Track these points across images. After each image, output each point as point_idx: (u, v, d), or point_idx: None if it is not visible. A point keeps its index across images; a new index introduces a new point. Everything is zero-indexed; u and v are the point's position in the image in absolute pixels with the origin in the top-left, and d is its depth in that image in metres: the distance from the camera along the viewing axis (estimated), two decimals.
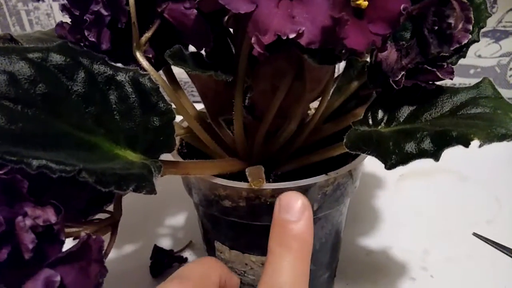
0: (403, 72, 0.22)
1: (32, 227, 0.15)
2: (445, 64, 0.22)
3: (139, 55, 0.23)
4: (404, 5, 0.18)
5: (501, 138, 0.19)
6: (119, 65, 0.20)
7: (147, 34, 0.23)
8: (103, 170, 0.16)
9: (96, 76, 0.19)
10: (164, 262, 0.33)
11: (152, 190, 0.17)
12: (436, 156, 0.19)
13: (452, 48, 0.21)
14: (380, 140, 0.21)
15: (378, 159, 0.20)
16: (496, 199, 0.42)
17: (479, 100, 0.22)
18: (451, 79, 0.22)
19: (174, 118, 0.20)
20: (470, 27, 0.21)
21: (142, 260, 0.35)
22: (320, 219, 0.27)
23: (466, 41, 0.21)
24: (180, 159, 0.26)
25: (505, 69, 0.62)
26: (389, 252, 0.36)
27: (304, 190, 0.24)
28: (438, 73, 0.22)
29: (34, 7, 0.65)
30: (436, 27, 0.21)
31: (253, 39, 0.18)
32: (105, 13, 0.21)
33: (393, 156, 0.20)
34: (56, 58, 0.18)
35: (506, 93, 0.63)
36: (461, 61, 0.71)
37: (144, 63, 0.23)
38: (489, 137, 0.19)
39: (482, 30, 0.64)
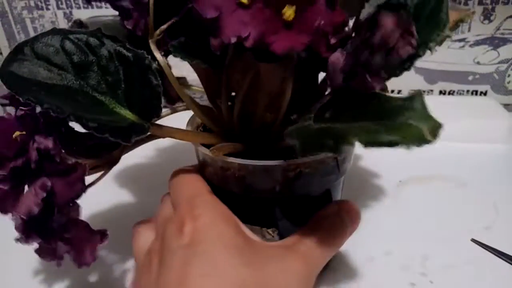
0: (341, 75, 0.24)
1: (37, 148, 0.23)
2: (381, 73, 0.23)
3: (151, 44, 0.27)
4: (319, 21, 0.22)
5: (378, 144, 0.20)
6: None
7: (163, 27, 0.27)
8: (101, 121, 0.23)
9: (113, 55, 0.26)
10: None
11: (127, 141, 0.23)
12: (336, 151, 0.21)
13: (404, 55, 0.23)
14: (305, 133, 0.23)
15: (295, 146, 0.22)
16: (494, 205, 0.43)
17: (404, 111, 0.22)
18: (381, 88, 0.24)
19: (160, 91, 0.25)
20: (413, 41, 0.22)
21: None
22: (281, 199, 0.29)
23: (406, 55, 0.22)
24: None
25: (503, 76, 0.63)
26: (389, 258, 0.37)
27: (267, 170, 0.27)
28: (367, 80, 0.23)
29: (39, 15, 0.66)
30: (367, 39, 0.23)
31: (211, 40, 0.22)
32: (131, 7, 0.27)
33: (305, 145, 0.22)
34: (89, 39, 0.26)
35: (504, 99, 0.64)
36: (460, 68, 0.72)
37: (154, 50, 0.27)
38: (368, 142, 0.20)
39: (481, 37, 0.65)
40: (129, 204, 0.46)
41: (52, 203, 0.23)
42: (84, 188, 0.25)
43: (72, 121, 0.22)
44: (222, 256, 0.22)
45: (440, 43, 0.28)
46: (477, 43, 0.61)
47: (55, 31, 0.27)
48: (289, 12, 0.22)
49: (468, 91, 0.65)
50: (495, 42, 0.61)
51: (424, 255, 0.37)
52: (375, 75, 0.23)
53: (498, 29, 0.60)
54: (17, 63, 0.25)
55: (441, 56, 0.62)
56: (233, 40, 0.21)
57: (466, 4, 0.58)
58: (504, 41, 0.60)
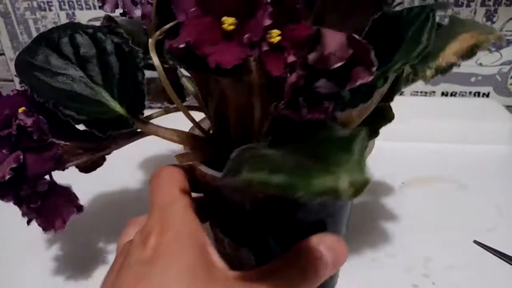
0: (284, 100, 0.22)
1: (18, 125, 0.26)
2: (325, 102, 0.21)
3: (150, 44, 0.26)
4: (248, 35, 0.20)
5: (269, 188, 0.16)
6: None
7: (164, 28, 0.25)
8: (81, 111, 0.25)
9: (115, 50, 0.28)
10: None
11: (103, 132, 0.25)
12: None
13: (347, 87, 0.20)
14: (240, 157, 0.20)
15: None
16: (497, 207, 0.43)
17: (338, 152, 0.18)
18: (318, 118, 0.21)
19: (144, 89, 0.27)
20: (371, 69, 0.20)
21: None
22: (255, 220, 0.27)
23: (358, 83, 0.20)
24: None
25: (506, 77, 0.63)
26: (391, 259, 0.37)
27: (234, 186, 0.24)
28: (302, 111, 0.21)
29: (41, 16, 0.66)
30: (304, 59, 0.20)
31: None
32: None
33: (230, 170, 0.20)
34: (96, 34, 0.28)
35: (507, 101, 0.64)
36: (462, 70, 0.71)
37: (152, 51, 0.26)
38: (253, 180, 0.16)
39: None
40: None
41: (23, 175, 0.27)
42: (57, 167, 0.28)
43: (49, 107, 0.25)
44: (176, 279, 0.21)
45: (443, 71, 0.24)
46: None
47: (69, 24, 0.29)
48: (229, 21, 0.20)
49: (470, 92, 0.65)
50: (497, 43, 0.61)
51: (426, 256, 0.37)
52: (315, 104, 0.21)
53: (500, 30, 0.60)
54: (34, 51, 0.28)
55: None
56: (182, 45, 0.20)
57: (468, 5, 0.58)
58: (506, 43, 0.60)
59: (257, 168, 0.16)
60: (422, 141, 0.54)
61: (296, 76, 0.20)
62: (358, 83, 0.20)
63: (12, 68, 0.72)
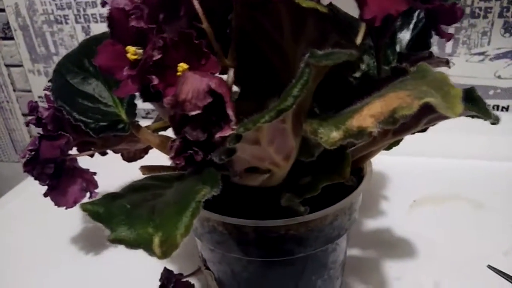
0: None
1: (37, 116, 0.34)
2: (190, 151, 0.21)
3: None
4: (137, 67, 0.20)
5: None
6: None
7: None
8: (85, 112, 0.29)
9: None
10: (171, 286, 0.34)
11: (96, 134, 0.29)
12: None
13: (215, 137, 0.20)
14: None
15: None
16: None
17: (176, 204, 0.21)
18: (179, 165, 0.22)
19: (134, 98, 0.30)
20: (229, 123, 0.19)
21: (151, 282, 0.35)
22: None
23: (217, 135, 0.19)
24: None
25: None
26: (399, 283, 0.35)
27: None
28: (169, 153, 0.21)
29: (58, 29, 0.68)
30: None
31: None
32: None
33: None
34: None
35: None
36: (481, 82, 0.68)
37: None
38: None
39: (502, 51, 0.62)
40: None
41: (38, 157, 0.33)
42: (60, 154, 0.33)
43: (58, 105, 0.30)
44: None
45: (353, 137, 0.17)
46: (498, 56, 0.59)
47: (104, 35, 0.32)
48: (131, 51, 0.21)
49: (488, 105, 0.62)
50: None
51: (436, 281, 0.35)
52: (185, 149, 0.21)
53: None
54: (73, 56, 0.33)
55: (460, 70, 0.61)
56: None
57: (485, 17, 0.56)
58: None
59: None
60: (436, 156, 0.52)
61: (169, 117, 0.20)
62: (217, 135, 0.19)
63: (31, 79, 0.74)
